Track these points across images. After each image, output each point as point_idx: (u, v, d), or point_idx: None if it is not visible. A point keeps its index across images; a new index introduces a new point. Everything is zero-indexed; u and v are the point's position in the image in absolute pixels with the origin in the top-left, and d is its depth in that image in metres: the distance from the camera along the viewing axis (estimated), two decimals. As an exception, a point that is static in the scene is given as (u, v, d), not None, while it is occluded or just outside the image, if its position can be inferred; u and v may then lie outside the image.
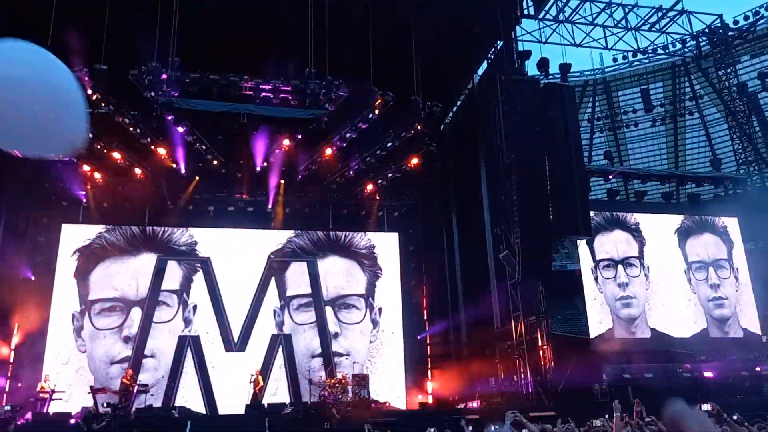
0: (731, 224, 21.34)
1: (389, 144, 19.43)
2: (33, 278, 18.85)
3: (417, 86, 17.59)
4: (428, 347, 21.98)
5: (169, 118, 18.29)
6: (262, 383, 17.41)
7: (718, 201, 22.26)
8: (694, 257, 20.76)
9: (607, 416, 12.07)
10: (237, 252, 20.30)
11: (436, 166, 21.82)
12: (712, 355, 18.87)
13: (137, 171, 19.29)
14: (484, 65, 20.92)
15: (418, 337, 21.74)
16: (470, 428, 10.06)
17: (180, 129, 18.31)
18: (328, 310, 20.45)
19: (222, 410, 18.00)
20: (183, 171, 19.68)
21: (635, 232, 20.46)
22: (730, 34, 23.99)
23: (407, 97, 17.76)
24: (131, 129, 17.78)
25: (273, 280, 20.45)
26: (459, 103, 23.12)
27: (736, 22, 24.54)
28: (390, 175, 20.72)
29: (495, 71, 19.46)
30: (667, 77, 28.72)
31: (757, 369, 18.12)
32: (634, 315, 19.34)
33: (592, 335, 18.84)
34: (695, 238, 21.00)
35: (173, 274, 19.81)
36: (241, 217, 21.02)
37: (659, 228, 20.76)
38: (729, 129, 24.20)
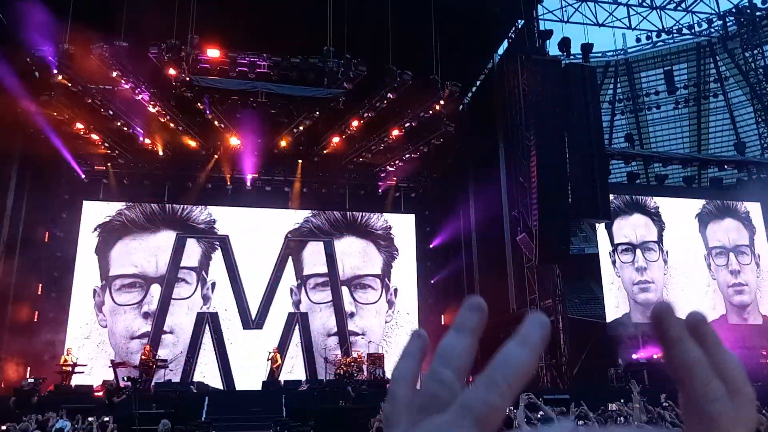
0: (754, 209, 21.00)
1: (407, 124, 19.31)
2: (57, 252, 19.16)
3: (436, 65, 17.40)
4: (442, 328, 22.07)
5: (188, 95, 18.35)
6: (279, 361, 17.64)
7: (741, 185, 21.89)
8: (714, 242, 20.51)
9: (622, 400, 12.10)
10: (255, 231, 20.45)
11: (455, 147, 21.66)
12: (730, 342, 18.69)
13: (157, 148, 19.44)
14: (505, 44, 20.62)
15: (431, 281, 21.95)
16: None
17: (199, 107, 18.37)
18: (344, 289, 20.59)
19: (239, 386, 18.30)
20: (201, 149, 19.79)
21: (655, 216, 20.23)
22: (758, 14, 23.37)
23: (426, 77, 17.59)
24: (151, 106, 17.87)
25: (290, 259, 20.61)
26: (478, 83, 22.85)
27: (764, 2, 23.86)
28: (408, 155, 20.63)
29: (516, 51, 19.17)
30: (691, 58, 28.08)
31: None
32: (651, 300, 19.19)
33: (608, 319, 18.77)
34: (716, 223, 20.72)
35: (192, 252, 20.04)
36: (258, 196, 21.14)
37: (679, 212, 20.50)
38: (754, 112, 23.70)
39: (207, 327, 19.32)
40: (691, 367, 0.36)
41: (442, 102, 18.35)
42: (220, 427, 13.99)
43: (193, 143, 19.60)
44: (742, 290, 20.04)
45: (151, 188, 20.46)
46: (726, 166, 22.28)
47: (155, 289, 19.28)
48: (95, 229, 19.65)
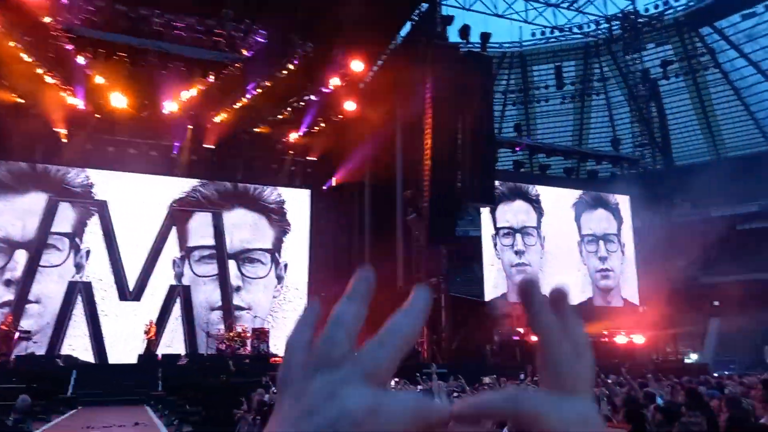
0: (623, 202, 22.84)
1: (307, 97, 19.04)
2: None
3: (340, 41, 17.23)
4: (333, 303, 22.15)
5: (69, 47, 16.96)
6: (153, 334, 16.84)
7: (614, 179, 23.69)
8: (587, 230, 22.12)
9: (495, 375, 12.83)
10: (137, 197, 19.31)
11: (353, 124, 21.63)
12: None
13: (29, 102, 17.79)
14: (408, 26, 20.76)
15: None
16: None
17: (80, 60, 17.04)
18: (231, 263, 20.05)
19: (113, 360, 17.37)
20: (81, 107, 18.36)
21: (535, 203, 21.48)
22: (640, 20, 25.15)
23: (329, 51, 17.37)
24: (25, 56, 16.31)
25: (174, 229, 19.71)
26: (381, 62, 22.87)
27: (647, 10, 25.75)
28: (306, 129, 20.34)
29: (418, 33, 19.37)
30: (579, 57, 29.83)
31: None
32: (528, 282, 20.42)
33: (487, 298, 19.76)
34: (590, 213, 22.35)
35: (65, 216, 18.62)
36: (143, 161, 19.93)
37: (558, 201, 21.88)
38: (630, 112, 25.63)
39: (79, 297, 18.10)
40: (548, 331, 0.42)
41: (343, 77, 18.23)
42: (90, 403, 13.29)
43: (71, 99, 18.13)
44: (607, 275, 21.83)
45: (21, 145, 18.67)
46: (603, 161, 24.00)
47: (20, 255, 17.75)
48: (-48, 187, 17.74)
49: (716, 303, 23.41)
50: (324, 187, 22.80)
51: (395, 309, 0.41)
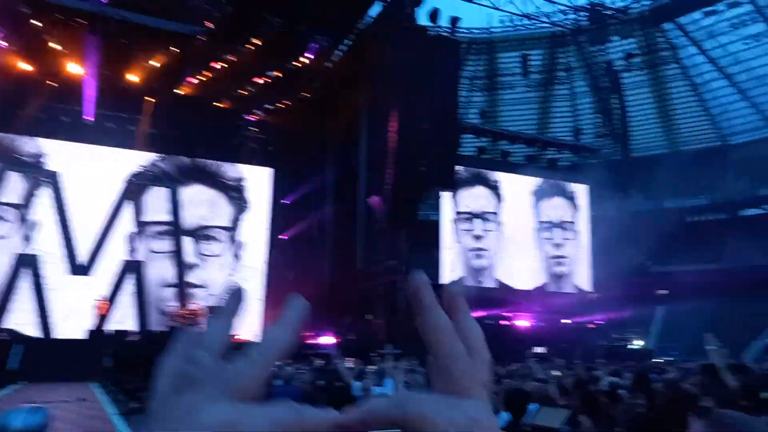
0: (581, 191, 23.29)
1: (272, 73, 18.70)
2: None
3: (308, 18, 16.94)
4: (292, 285, 22.00)
5: (24, 10, 16.27)
6: (105, 309, 16.46)
7: (573, 168, 24.09)
8: (544, 218, 22.54)
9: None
10: (91, 170, 18.68)
11: (319, 103, 21.35)
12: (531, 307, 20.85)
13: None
14: (378, 7, 20.52)
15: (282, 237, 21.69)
16: (322, 362, 10.44)
17: (36, 23, 16.33)
18: (187, 240, 19.65)
19: (61, 335, 16.88)
20: (34, 72, 17.64)
21: (495, 189, 21.73)
22: (606, 12, 25.46)
23: (296, 28, 17.06)
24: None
25: (129, 203, 19.19)
26: (348, 42, 22.58)
27: (613, 2, 26.06)
28: (270, 106, 20.00)
29: (387, 14, 19.18)
30: (546, 46, 30.03)
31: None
32: (483, 266, 20.78)
33: (443, 281, 19.95)
34: (548, 200, 22.76)
35: (14, 186, 17.90)
36: (98, 132, 19.25)
37: (518, 188, 22.19)
38: (593, 102, 26.01)
39: (25, 270, 17.46)
40: (440, 330, 0.40)
41: (309, 55, 17.97)
42: (35, 378, 12.92)
43: (26, 66, 17.38)
44: (561, 262, 22.32)
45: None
46: (563, 150, 24.38)
47: (-37, 225, 17.04)
48: None
49: (662, 292, 24.18)
50: (285, 166, 22.49)
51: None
